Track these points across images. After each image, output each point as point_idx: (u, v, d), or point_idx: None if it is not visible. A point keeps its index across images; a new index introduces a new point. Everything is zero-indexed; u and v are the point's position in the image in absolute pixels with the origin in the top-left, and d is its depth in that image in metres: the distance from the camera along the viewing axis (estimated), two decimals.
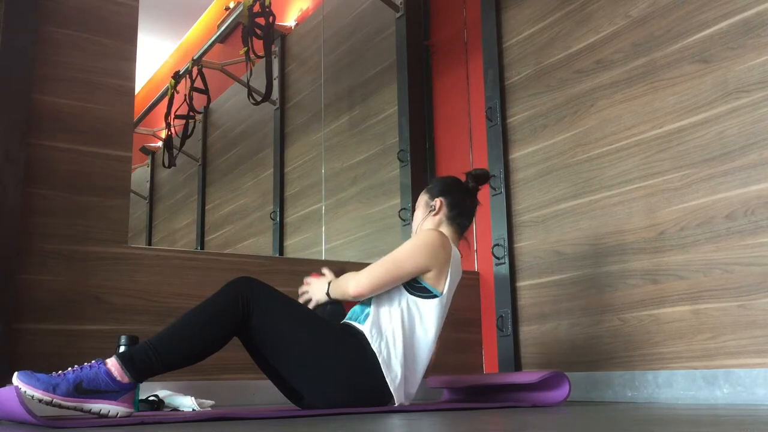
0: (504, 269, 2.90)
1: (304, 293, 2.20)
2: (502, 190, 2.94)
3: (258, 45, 3.75)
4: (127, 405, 1.69)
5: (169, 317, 2.16)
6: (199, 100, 4.60)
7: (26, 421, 1.48)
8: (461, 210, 2.20)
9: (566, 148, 2.72)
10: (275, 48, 4.32)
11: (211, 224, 4.99)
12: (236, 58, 4.10)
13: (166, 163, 4.83)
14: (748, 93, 2.15)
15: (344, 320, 2.08)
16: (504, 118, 3.00)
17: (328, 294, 2.12)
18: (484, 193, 3.06)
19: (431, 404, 2.27)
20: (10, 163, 2.20)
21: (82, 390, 1.62)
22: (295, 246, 4.15)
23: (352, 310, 2.11)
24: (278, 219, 4.25)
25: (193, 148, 5.14)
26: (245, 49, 3.71)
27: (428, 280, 2.03)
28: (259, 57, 3.74)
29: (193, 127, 4.68)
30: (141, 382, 1.74)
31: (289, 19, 4.58)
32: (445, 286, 2.05)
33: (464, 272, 3.10)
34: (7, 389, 1.52)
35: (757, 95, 2.13)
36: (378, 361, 1.93)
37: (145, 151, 5.74)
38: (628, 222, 2.45)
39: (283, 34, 4.54)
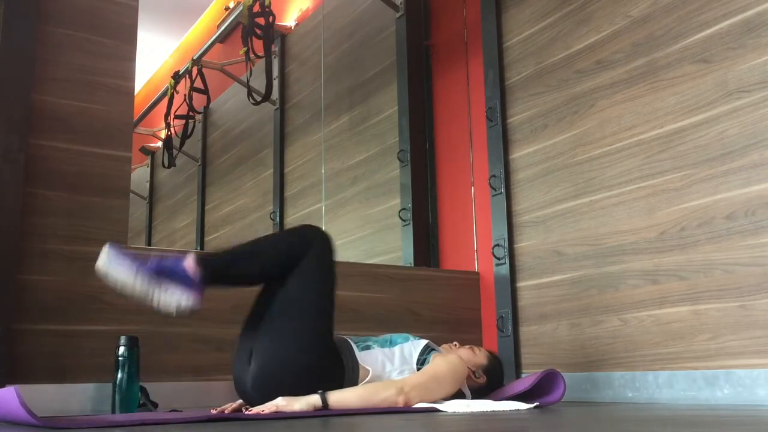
0: (504, 269, 2.90)
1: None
2: (503, 190, 2.94)
3: (258, 45, 3.75)
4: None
5: (169, 317, 2.16)
6: (198, 100, 4.59)
7: (26, 422, 1.48)
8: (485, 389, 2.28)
9: (566, 149, 2.71)
10: (275, 48, 4.31)
11: (210, 224, 4.99)
12: (236, 58, 4.09)
13: (166, 164, 4.82)
14: (748, 93, 2.15)
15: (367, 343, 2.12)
16: (504, 118, 3.00)
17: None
18: (484, 194, 3.07)
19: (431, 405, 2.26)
20: (10, 163, 2.19)
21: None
22: None
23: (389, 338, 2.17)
24: (278, 219, 4.25)
25: (192, 148, 5.13)
26: (245, 49, 3.70)
27: None
28: (259, 57, 3.74)
29: (193, 127, 4.67)
30: (208, 285, 1.89)
31: (289, 19, 4.57)
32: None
33: (464, 272, 3.13)
34: (7, 389, 1.52)
35: (757, 95, 2.13)
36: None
37: (145, 151, 5.74)
38: (628, 222, 2.45)
39: (283, 34, 4.53)
